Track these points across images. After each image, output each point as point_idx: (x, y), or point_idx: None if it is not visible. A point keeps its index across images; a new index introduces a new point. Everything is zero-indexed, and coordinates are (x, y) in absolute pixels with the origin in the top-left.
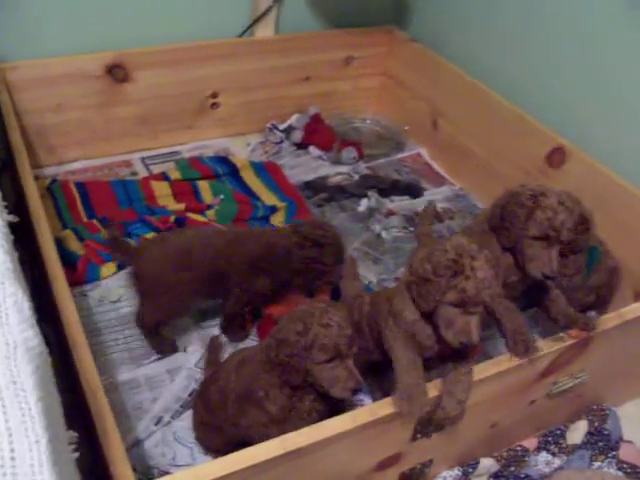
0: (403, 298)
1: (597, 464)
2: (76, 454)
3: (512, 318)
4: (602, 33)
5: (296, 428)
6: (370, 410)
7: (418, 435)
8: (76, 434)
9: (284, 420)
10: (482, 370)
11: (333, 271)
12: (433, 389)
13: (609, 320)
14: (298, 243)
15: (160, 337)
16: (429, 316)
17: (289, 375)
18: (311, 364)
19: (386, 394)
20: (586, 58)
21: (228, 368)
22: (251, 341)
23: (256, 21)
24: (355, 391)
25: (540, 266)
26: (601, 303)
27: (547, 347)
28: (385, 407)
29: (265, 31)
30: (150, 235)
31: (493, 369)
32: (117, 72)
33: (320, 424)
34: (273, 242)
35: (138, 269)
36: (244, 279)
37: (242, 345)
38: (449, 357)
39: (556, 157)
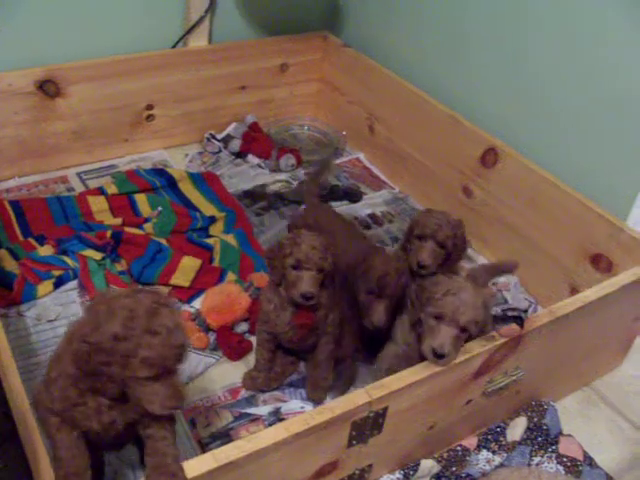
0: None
1: (537, 459)
2: None
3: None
4: (527, 34)
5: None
6: (303, 419)
7: (354, 441)
8: None
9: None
10: (415, 373)
11: None
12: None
13: (541, 317)
14: None
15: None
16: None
17: (104, 386)
18: (129, 376)
19: None
20: (514, 59)
21: None
22: None
23: (189, 31)
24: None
25: None
26: None
27: (478, 347)
28: (318, 415)
29: (198, 41)
30: (87, 252)
31: (425, 372)
32: (49, 87)
33: (253, 435)
34: None
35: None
36: None
37: None
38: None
39: (489, 158)
